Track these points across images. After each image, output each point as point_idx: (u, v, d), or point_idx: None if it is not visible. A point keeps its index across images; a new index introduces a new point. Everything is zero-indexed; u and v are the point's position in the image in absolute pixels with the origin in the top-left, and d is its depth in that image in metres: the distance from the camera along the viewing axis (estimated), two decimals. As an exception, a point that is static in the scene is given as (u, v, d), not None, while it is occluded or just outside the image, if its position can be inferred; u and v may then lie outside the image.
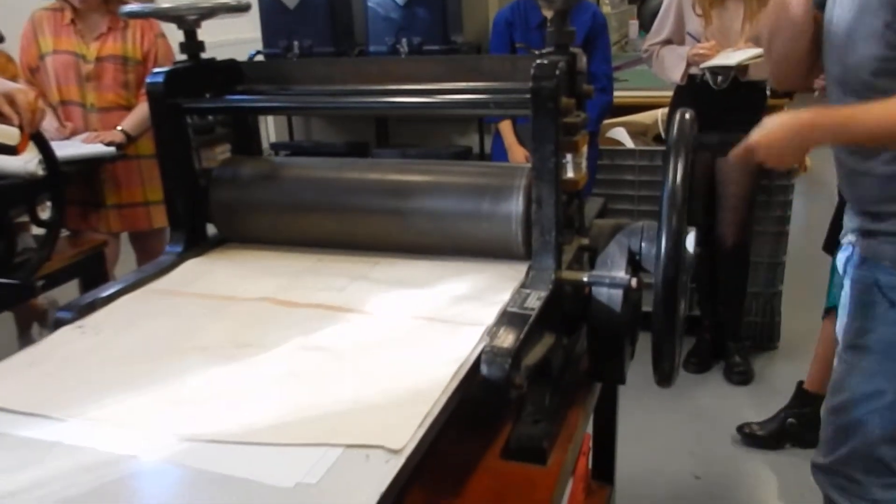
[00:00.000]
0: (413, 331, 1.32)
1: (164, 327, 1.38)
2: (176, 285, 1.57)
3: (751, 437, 3.04)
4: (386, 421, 1.04)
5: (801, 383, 2.97)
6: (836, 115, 1.57)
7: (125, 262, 3.49)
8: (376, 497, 0.90)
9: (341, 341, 1.29)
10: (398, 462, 0.97)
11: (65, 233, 3.19)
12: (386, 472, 0.95)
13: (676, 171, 1.36)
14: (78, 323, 1.41)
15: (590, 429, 2.28)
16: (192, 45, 1.71)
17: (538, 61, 1.36)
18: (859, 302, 1.70)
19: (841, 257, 1.81)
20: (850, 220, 1.76)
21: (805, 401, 2.92)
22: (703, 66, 3.16)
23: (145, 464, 0.99)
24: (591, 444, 2.27)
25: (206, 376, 1.20)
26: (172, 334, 1.35)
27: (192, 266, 1.66)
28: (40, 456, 1.01)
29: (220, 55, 1.78)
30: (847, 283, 1.76)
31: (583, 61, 1.49)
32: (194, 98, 1.69)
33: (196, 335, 1.33)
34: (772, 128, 1.59)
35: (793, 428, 2.93)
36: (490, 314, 1.33)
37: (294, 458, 0.97)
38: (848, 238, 1.78)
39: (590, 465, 2.30)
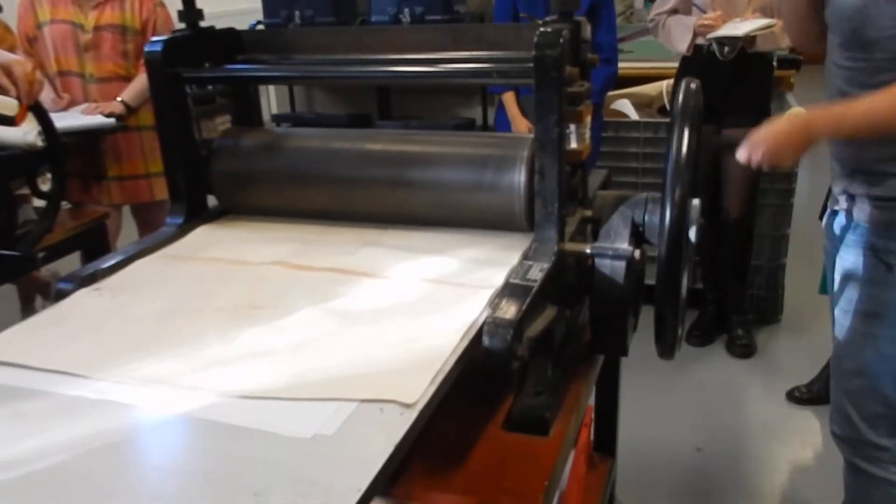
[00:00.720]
0: (424, 294, 1.35)
1: (179, 290, 1.41)
2: (188, 251, 1.59)
3: (802, 400, 3.07)
4: (399, 378, 1.08)
5: None
6: (832, 111, 1.61)
7: (127, 234, 3.49)
8: (392, 447, 0.94)
9: (354, 303, 1.32)
10: (411, 415, 1.01)
11: (66, 205, 3.19)
12: (400, 423, 0.99)
13: (681, 141, 1.34)
14: (95, 286, 1.44)
15: (592, 401, 2.28)
16: (191, 12, 1.69)
17: (541, 29, 1.34)
18: (856, 267, 1.70)
19: (833, 223, 1.80)
20: (839, 184, 1.75)
21: None
22: (709, 36, 3.13)
23: (171, 418, 1.04)
24: (593, 416, 2.27)
25: (224, 336, 1.23)
26: (188, 297, 1.38)
27: (201, 233, 1.67)
28: (72, 411, 1.06)
29: (221, 26, 1.76)
30: (842, 248, 1.75)
31: (587, 30, 1.47)
32: (194, 67, 1.67)
33: (211, 297, 1.37)
34: (774, 126, 1.60)
35: None
36: (500, 278, 1.34)
37: (311, 412, 1.01)
38: (839, 203, 1.77)
39: (592, 438, 2.30)
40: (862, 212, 1.67)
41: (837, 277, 1.78)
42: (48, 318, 1.34)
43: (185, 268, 1.51)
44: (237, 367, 1.14)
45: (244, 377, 1.11)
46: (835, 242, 1.79)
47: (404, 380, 1.07)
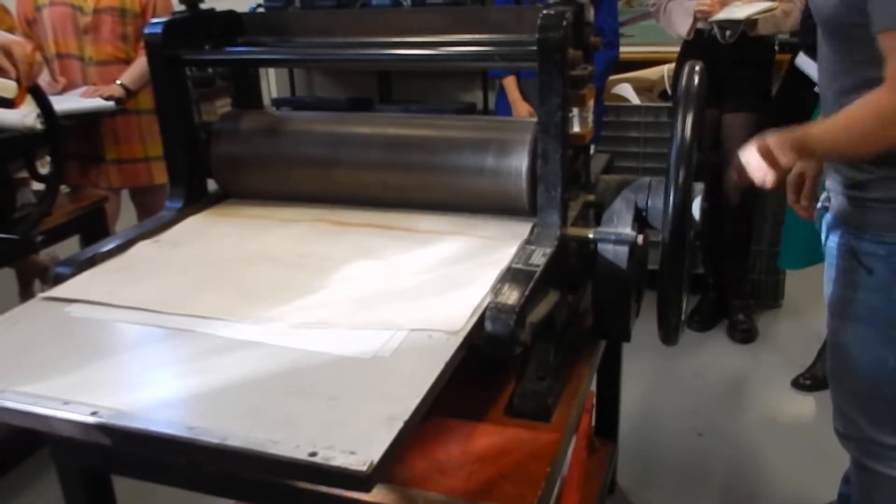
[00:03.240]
0: (458, 243, 1.47)
1: (231, 242, 1.55)
2: (234, 210, 1.72)
3: (806, 387, 3.06)
4: (444, 310, 1.22)
5: None
6: (819, 125, 1.52)
7: (126, 218, 3.48)
8: (442, 364, 1.08)
9: (394, 251, 1.46)
10: (457, 341, 1.14)
11: (66, 189, 3.18)
12: (447, 347, 1.13)
13: (685, 125, 1.33)
14: (153, 238, 1.57)
15: (594, 386, 2.28)
16: (191, -6, 1.68)
17: (544, 12, 1.33)
18: (839, 268, 1.66)
19: (820, 218, 1.76)
20: (825, 177, 1.70)
21: None
22: (710, 19, 3.11)
23: (248, 344, 1.18)
24: (594, 401, 2.27)
25: (281, 278, 1.38)
26: (241, 248, 1.52)
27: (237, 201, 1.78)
28: (160, 339, 1.23)
29: (221, 9, 1.75)
30: (826, 248, 1.71)
31: (590, 13, 1.46)
32: (193, 50, 1.66)
33: (263, 248, 1.51)
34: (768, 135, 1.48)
35: None
36: (524, 232, 1.44)
37: (368, 339, 1.16)
38: (825, 200, 1.72)
39: (593, 423, 2.30)
40: (842, 211, 1.63)
41: (826, 275, 1.73)
42: (118, 265, 1.47)
43: (232, 223, 1.64)
44: (298, 304, 1.28)
45: (305, 312, 1.25)
46: (824, 238, 1.74)
47: (448, 312, 1.21)
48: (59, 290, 1.37)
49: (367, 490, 0.90)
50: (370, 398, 1.02)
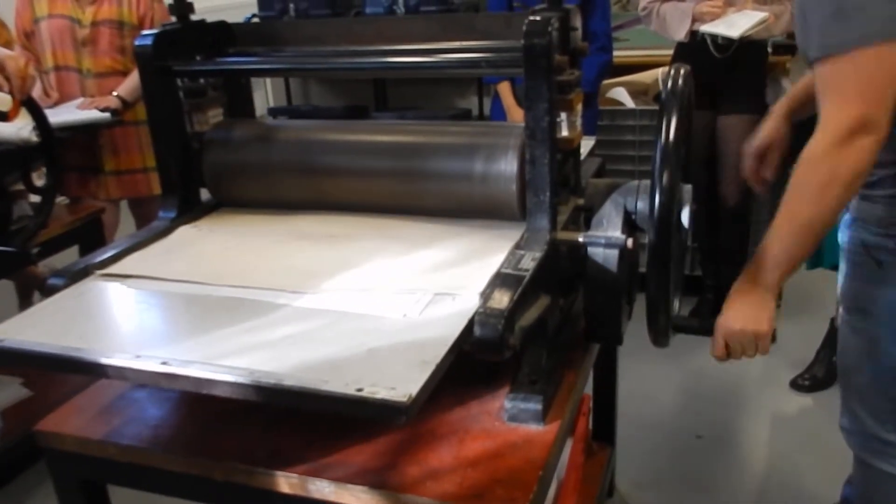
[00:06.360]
0: (468, 225, 1.57)
1: (264, 226, 1.67)
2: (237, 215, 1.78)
3: (804, 388, 3.05)
4: (464, 276, 1.36)
5: (833, 320, 2.93)
6: (756, 261, 1.65)
7: (125, 229, 3.48)
8: (466, 320, 1.20)
9: (411, 232, 1.57)
10: (477, 300, 1.26)
11: (65, 201, 3.19)
12: (471, 306, 1.24)
13: (669, 127, 1.34)
14: (192, 224, 1.70)
15: (591, 390, 2.28)
16: (181, 5, 1.69)
17: (530, 18, 1.34)
18: (851, 263, 1.68)
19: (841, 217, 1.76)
20: None
21: None
22: (704, 30, 3.11)
23: (297, 310, 1.31)
24: (591, 405, 2.27)
25: (315, 254, 1.51)
26: (274, 230, 1.64)
27: None
28: (218, 307, 1.35)
29: (215, 20, 1.76)
30: (841, 243, 1.73)
31: (577, 18, 1.46)
32: (185, 60, 1.67)
33: (294, 230, 1.63)
34: (726, 314, 1.67)
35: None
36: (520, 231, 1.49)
37: (398, 301, 1.30)
38: None
39: (590, 426, 2.30)
40: (857, 207, 1.64)
41: (840, 271, 1.76)
42: (164, 247, 1.60)
43: (259, 213, 1.74)
44: (333, 274, 1.41)
45: (340, 281, 1.39)
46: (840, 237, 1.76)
47: (469, 277, 1.34)
48: (115, 268, 1.50)
49: (409, 418, 1.02)
50: (404, 348, 1.16)
